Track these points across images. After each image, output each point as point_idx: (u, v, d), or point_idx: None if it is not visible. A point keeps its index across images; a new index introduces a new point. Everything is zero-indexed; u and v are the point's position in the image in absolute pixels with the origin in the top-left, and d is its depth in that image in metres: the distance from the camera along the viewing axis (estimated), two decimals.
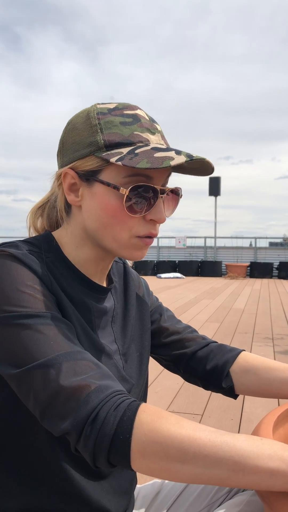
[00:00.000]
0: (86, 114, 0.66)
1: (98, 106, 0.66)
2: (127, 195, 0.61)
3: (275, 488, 0.47)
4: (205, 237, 14.65)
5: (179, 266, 13.73)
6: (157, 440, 0.49)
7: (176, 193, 0.70)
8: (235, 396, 0.85)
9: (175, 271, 13.61)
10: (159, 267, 13.74)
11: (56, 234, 0.72)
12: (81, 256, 0.70)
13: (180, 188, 0.70)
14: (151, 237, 0.66)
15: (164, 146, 0.64)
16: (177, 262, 13.91)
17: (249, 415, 2.36)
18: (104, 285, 0.77)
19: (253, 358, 0.82)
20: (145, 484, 0.90)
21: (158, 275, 12.91)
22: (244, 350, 0.85)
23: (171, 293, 8.28)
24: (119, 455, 0.50)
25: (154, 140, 0.65)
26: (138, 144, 0.63)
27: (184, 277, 12.87)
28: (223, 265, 13.63)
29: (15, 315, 0.56)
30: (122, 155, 0.61)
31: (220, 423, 2.26)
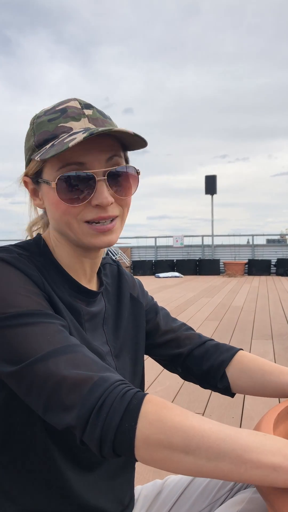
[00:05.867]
0: (30, 121, 0.69)
1: (42, 109, 0.69)
2: (57, 188, 0.63)
3: (277, 484, 0.47)
4: (203, 236, 14.66)
5: (177, 265, 13.73)
6: (161, 429, 0.49)
7: (122, 174, 0.66)
8: (232, 395, 0.85)
9: (173, 270, 13.61)
10: (157, 267, 13.74)
11: (45, 236, 0.73)
12: (63, 255, 0.71)
13: (126, 166, 0.67)
14: (104, 222, 0.65)
15: (81, 129, 0.63)
16: (175, 261, 13.91)
17: (250, 413, 2.36)
18: (95, 287, 0.77)
19: (248, 360, 0.82)
20: (146, 484, 0.90)
21: (156, 274, 12.91)
22: (242, 349, 0.85)
23: (169, 292, 8.28)
24: (124, 444, 0.50)
25: (78, 126, 0.64)
26: (61, 135, 0.64)
27: (182, 276, 12.87)
28: (221, 263, 13.64)
29: (10, 315, 0.57)
30: (44, 151, 0.63)
31: (221, 421, 2.26)
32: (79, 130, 0.63)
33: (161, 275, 12.70)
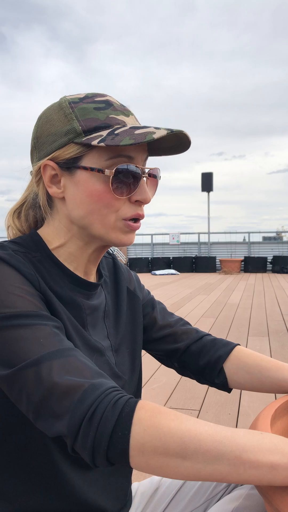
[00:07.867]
0: (58, 105, 0.66)
1: (68, 97, 0.67)
2: (112, 177, 0.62)
3: (276, 483, 0.47)
4: (199, 233, 14.68)
5: (173, 263, 13.75)
6: (156, 436, 0.48)
7: (154, 176, 0.70)
8: (229, 390, 0.85)
9: (169, 267, 13.63)
10: (153, 264, 13.74)
11: (41, 232, 0.71)
12: (69, 250, 0.69)
13: (159, 169, 0.70)
14: (137, 220, 0.67)
15: (133, 125, 0.64)
16: (171, 258, 13.93)
17: (246, 409, 2.37)
18: (94, 280, 0.76)
19: (246, 356, 0.81)
20: (143, 481, 0.90)
21: (152, 272, 12.93)
22: (239, 345, 0.85)
23: (166, 289, 8.28)
24: (118, 452, 0.49)
25: (130, 121, 0.65)
26: (116, 126, 0.63)
27: (178, 273, 12.88)
28: (217, 260, 13.67)
29: (3, 316, 0.56)
30: (103, 137, 0.61)
31: (218, 418, 2.27)
32: (135, 125, 0.63)
33: (157, 272, 12.71)
